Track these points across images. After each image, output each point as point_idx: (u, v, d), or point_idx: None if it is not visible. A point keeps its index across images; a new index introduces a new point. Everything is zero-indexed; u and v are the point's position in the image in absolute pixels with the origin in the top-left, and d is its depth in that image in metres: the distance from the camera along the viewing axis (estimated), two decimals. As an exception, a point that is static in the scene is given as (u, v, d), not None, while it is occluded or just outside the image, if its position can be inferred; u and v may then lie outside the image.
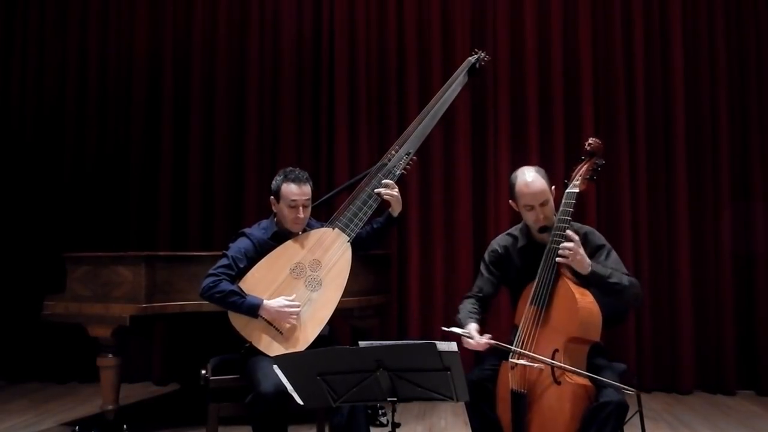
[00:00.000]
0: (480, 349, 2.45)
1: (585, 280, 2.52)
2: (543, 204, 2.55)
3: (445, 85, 3.21)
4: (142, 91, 5.15)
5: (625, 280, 2.48)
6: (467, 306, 2.66)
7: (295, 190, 2.83)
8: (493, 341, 2.45)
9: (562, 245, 2.44)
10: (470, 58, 3.26)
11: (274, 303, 2.72)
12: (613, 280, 2.46)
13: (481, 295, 2.71)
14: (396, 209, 2.98)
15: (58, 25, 5.24)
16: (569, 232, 2.47)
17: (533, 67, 4.93)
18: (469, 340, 2.46)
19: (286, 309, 2.72)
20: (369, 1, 5.05)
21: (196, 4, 5.16)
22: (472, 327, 2.51)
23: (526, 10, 4.96)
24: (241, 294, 2.73)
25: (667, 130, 4.86)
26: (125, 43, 5.19)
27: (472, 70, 3.23)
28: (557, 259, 2.44)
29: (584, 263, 2.44)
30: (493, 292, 2.74)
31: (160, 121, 5.12)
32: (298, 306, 2.75)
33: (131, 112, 5.15)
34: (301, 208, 2.84)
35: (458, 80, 3.19)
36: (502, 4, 4.98)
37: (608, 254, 2.59)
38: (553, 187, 2.61)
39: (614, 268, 2.53)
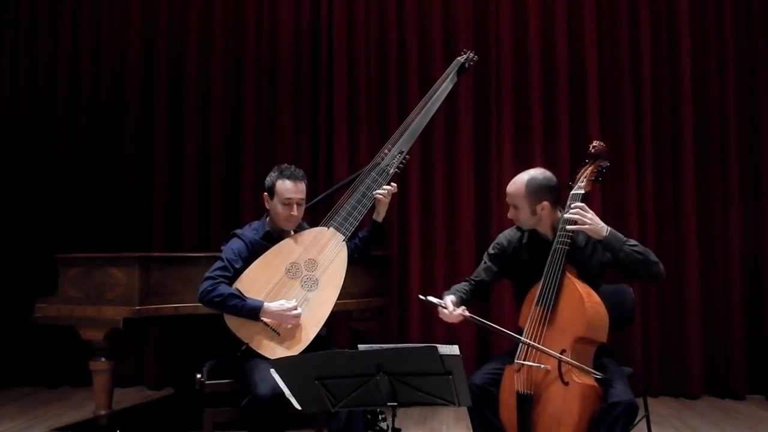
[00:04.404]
0: (453, 320, 2.52)
1: (592, 277, 2.53)
2: (514, 206, 2.63)
3: (435, 84, 3.27)
4: (136, 89, 5.06)
5: (641, 248, 2.46)
6: (458, 285, 2.73)
7: (290, 188, 2.82)
8: (467, 314, 2.50)
9: (571, 208, 2.45)
10: (459, 58, 3.33)
11: (274, 306, 2.69)
12: (631, 242, 2.46)
13: (477, 279, 2.74)
14: (382, 213, 3.01)
15: (49, 24, 5.16)
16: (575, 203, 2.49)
17: (537, 65, 4.85)
18: (444, 310, 2.52)
19: (288, 312, 2.68)
20: (369, -4, 5.00)
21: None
22: (448, 299, 2.57)
23: (529, 7, 4.89)
24: (241, 297, 2.69)
25: (674, 130, 4.78)
26: (119, 41, 5.11)
27: (461, 70, 3.32)
28: (569, 227, 2.46)
29: (599, 226, 2.45)
30: (489, 281, 2.76)
31: (155, 119, 5.03)
32: (298, 308, 2.71)
33: (125, 111, 5.07)
34: (295, 206, 2.83)
35: (448, 79, 3.26)
36: (505, 1, 4.91)
37: None
38: (542, 203, 2.59)
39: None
